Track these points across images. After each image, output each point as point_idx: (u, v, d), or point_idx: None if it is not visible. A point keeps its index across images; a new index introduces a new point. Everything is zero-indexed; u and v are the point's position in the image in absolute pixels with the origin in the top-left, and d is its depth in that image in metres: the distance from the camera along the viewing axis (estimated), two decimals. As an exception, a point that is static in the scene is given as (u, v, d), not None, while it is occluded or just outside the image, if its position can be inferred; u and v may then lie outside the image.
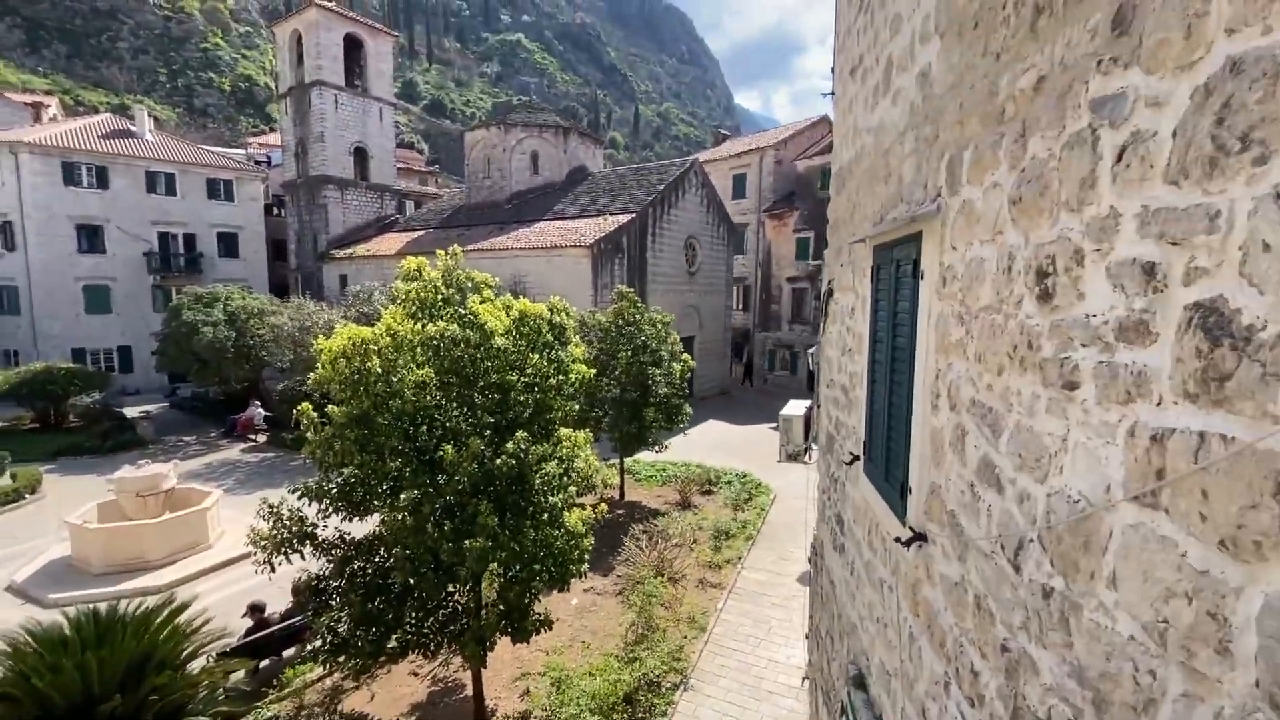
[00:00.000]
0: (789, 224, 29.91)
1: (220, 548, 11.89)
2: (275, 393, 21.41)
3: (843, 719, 4.37)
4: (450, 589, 6.46)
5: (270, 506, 6.03)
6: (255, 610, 7.84)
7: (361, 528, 6.64)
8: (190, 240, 31.12)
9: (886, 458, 3.29)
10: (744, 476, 16.16)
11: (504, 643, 6.88)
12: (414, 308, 6.35)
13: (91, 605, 6.85)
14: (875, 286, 3.67)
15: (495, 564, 5.83)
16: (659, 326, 14.04)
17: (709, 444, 20.00)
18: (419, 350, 6.41)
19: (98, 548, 10.91)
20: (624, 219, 22.84)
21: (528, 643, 6.83)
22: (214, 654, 7.08)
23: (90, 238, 28.60)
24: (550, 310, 6.84)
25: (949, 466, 2.23)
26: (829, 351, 5.26)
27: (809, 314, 29.81)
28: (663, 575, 10.16)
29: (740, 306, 32.94)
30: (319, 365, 6.46)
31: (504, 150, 28.89)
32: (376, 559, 6.35)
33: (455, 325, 6.14)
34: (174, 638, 6.59)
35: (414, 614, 6.44)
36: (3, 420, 21.40)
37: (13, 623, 7.73)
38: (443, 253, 6.68)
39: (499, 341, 6.25)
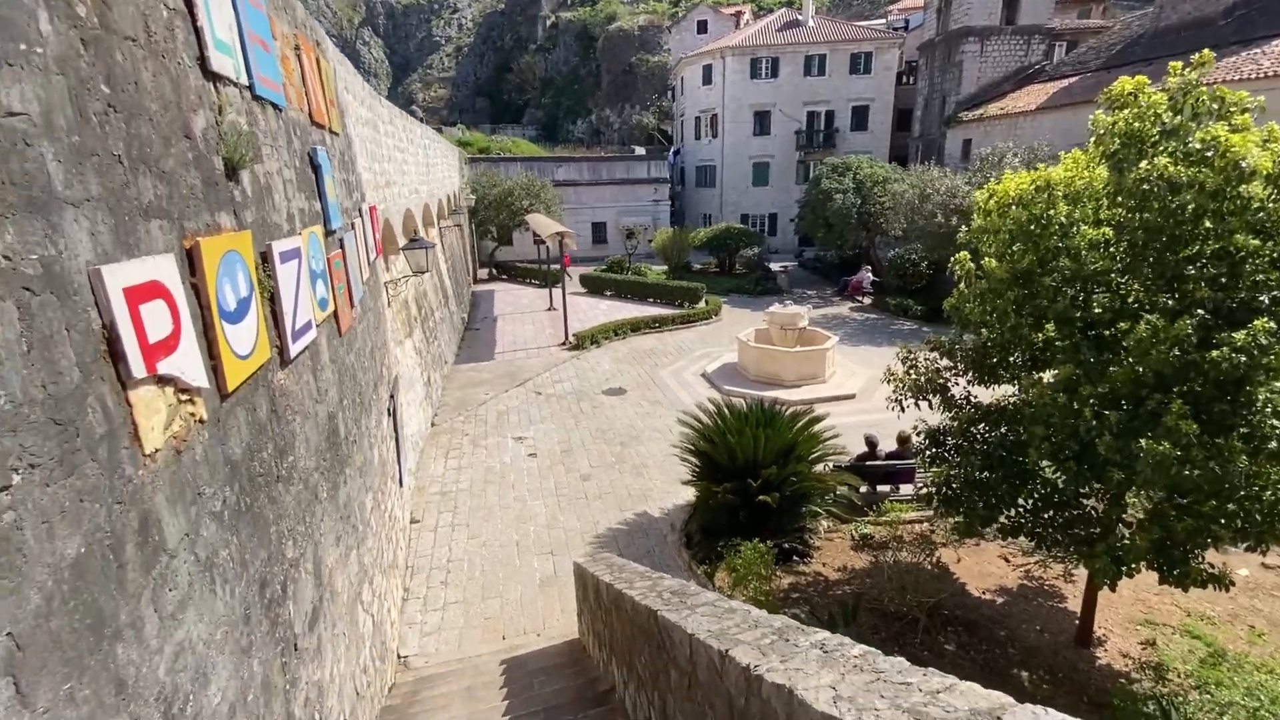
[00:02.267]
0: None
1: (831, 384, 13.90)
2: (884, 260, 22.70)
3: None
4: (1083, 489, 5.52)
5: (909, 351, 6.31)
6: (869, 443, 8.82)
7: (984, 394, 6.29)
8: (829, 116, 34.83)
9: None
10: None
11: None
12: (1115, 145, 5.02)
13: (755, 398, 9.04)
14: None
15: (1165, 480, 4.55)
16: None
17: None
18: (1105, 202, 5.16)
19: (752, 360, 14.40)
20: None
21: (1185, 590, 5.33)
22: (830, 465, 8.40)
23: (760, 122, 35.47)
24: (1370, 138, 4.28)
25: None
26: None
27: None
28: None
29: None
30: (975, 216, 6.06)
31: (1240, -68, 19.73)
32: (1002, 430, 5.94)
33: (1178, 165, 4.56)
34: (809, 441, 8.02)
35: (1032, 499, 5.87)
36: (700, 264, 30.30)
37: (709, 398, 11.15)
38: (1176, 66, 4.93)
39: (1252, 189, 4.34)
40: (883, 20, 44.53)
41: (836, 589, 7.33)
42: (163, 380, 1.99)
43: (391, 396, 7.63)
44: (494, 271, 30.08)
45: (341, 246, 5.18)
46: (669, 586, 3.54)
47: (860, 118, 34.59)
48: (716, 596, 3.07)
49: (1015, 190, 5.20)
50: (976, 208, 6.07)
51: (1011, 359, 5.89)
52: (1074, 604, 6.84)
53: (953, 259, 5.82)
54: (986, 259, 5.68)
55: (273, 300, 3.19)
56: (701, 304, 21.57)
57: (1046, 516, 5.74)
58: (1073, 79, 24.63)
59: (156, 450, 1.92)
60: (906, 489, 8.97)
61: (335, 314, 4.71)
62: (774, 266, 28.40)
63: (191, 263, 2.33)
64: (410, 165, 12.96)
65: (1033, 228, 5.03)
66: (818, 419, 8.08)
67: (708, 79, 35.91)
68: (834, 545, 8.16)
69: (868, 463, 8.59)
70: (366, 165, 7.97)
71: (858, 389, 13.57)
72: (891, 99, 34.33)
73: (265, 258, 3.16)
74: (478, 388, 14.71)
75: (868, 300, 22.66)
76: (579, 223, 33.36)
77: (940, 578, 6.90)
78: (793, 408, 8.61)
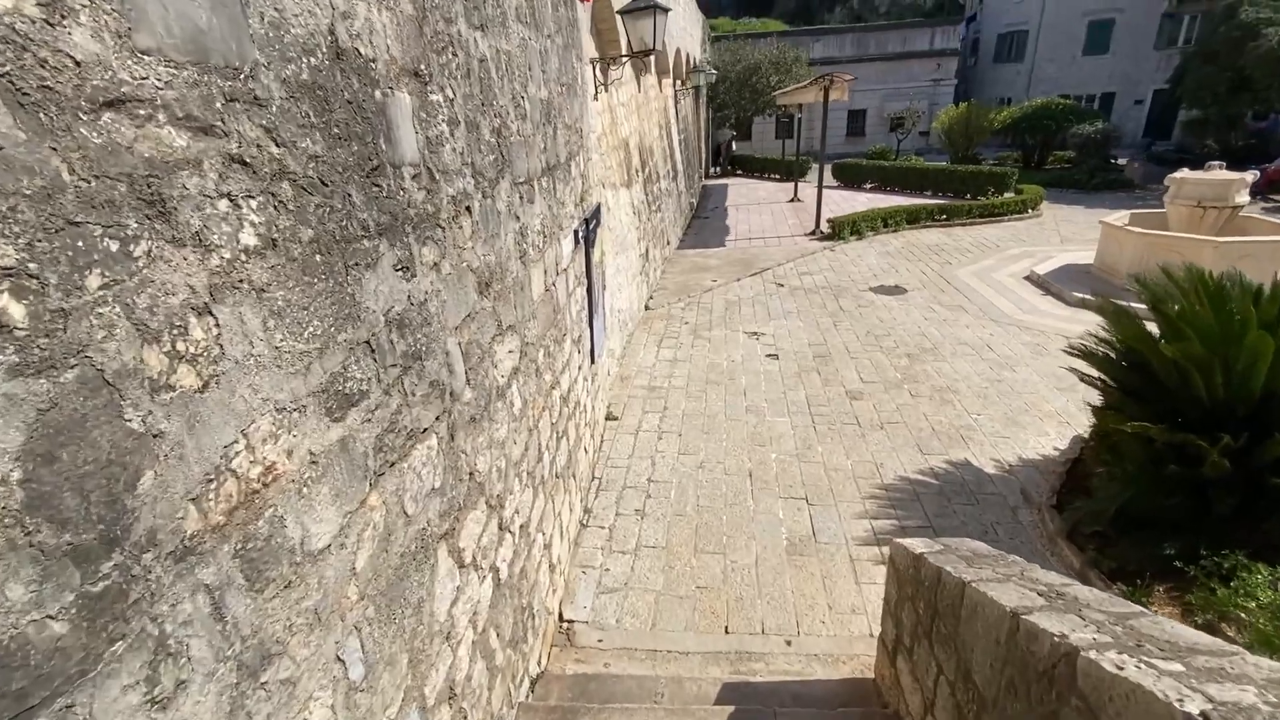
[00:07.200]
0: None
1: None
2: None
3: None
4: None
5: None
6: None
7: None
8: (1238, -64, 23.47)
9: None
10: None
11: None
12: None
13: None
14: None
15: None
16: None
17: None
18: None
19: (1131, 254, 9.15)
20: None
21: None
22: None
23: (1113, -41, 25.50)
24: None
25: None
26: None
27: None
28: None
29: None
30: None
31: None
32: None
33: None
34: None
35: None
36: (992, 159, 23.19)
37: (1045, 309, 6.74)
38: None
39: None
40: None
41: None
42: None
43: (587, 223, 4.96)
44: (728, 167, 26.60)
45: None
46: None
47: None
48: None
49: None
50: None
51: None
52: None
53: None
54: None
55: None
56: (1010, 194, 15.74)
57: None
58: None
59: None
60: None
61: None
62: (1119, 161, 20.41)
63: None
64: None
65: None
66: None
67: (1036, -96, 26.64)
68: None
69: None
70: None
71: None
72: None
73: None
74: (703, 273, 11.84)
75: (1297, 198, 14.58)
76: (833, 111, 27.83)
77: None
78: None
